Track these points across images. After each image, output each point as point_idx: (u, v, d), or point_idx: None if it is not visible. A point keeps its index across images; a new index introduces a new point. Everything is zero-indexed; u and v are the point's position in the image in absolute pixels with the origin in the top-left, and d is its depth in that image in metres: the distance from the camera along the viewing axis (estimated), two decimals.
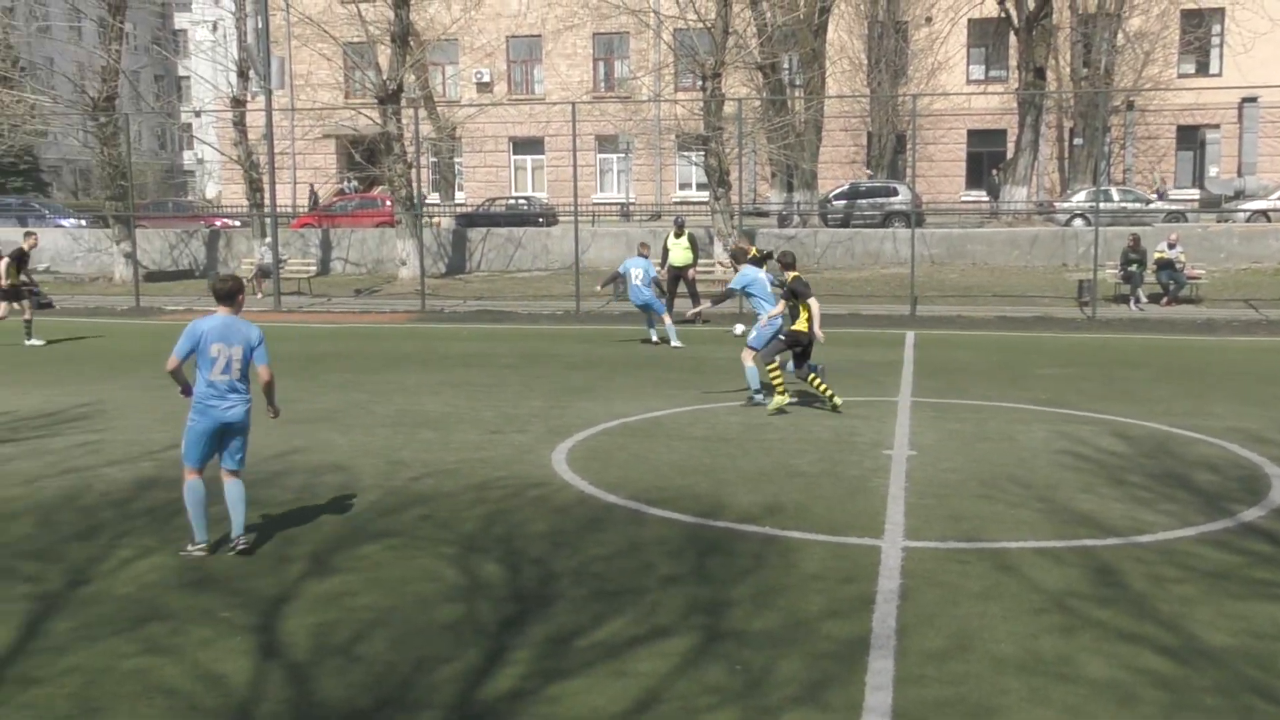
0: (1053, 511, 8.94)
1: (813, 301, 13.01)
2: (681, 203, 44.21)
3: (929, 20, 45.43)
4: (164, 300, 28.02)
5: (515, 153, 50.63)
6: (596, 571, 7.57)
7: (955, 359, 17.64)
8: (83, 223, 40.37)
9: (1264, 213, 35.59)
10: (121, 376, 15.86)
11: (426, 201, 36.89)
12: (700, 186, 43.24)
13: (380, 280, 31.84)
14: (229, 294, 8.02)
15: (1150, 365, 17.04)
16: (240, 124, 33.26)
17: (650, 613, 6.83)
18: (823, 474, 10.20)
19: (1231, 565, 7.67)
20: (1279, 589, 7.22)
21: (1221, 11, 43.98)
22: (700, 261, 23.94)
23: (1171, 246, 25.50)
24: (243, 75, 34.08)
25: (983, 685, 5.82)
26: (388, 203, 35.99)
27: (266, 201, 30.27)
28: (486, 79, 49.53)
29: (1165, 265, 25.28)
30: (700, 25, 29.33)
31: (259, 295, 28.61)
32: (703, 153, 30.72)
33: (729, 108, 28.87)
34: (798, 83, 38.68)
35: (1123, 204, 36.20)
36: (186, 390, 7.97)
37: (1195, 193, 43.11)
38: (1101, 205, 29.12)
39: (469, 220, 38.24)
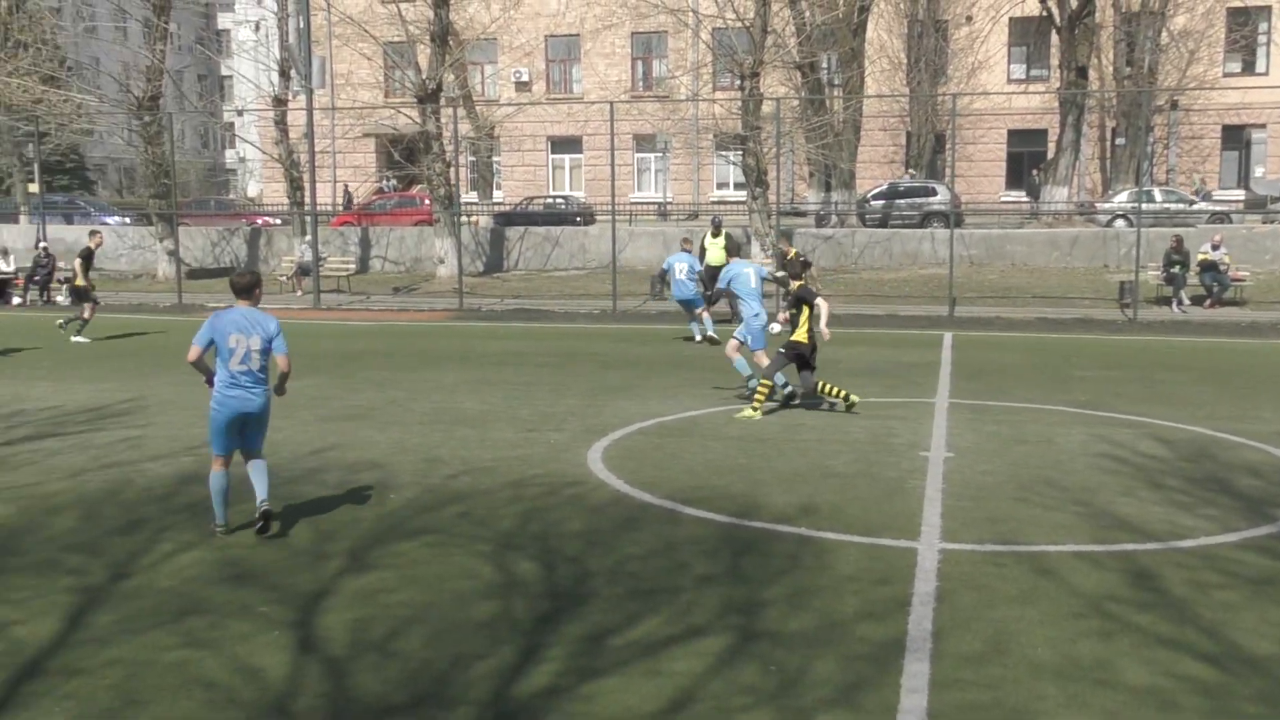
0: (1091, 515, 8.86)
1: (820, 301, 12.80)
2: (719, 202, 44.18)
3: (969, 19, 45.12)
4: (206, 297, 28.29)
5: (553, 152, 50.77)
6: (631, 570, 7.58)
7: (994, 360, 17.52)
8: (127, 220, 40.86)
9: None
10: (164, 373, 16.03)
11: (464, 200, 37.06)
12: (738, 186, 43.18)
13: (418, 278, 32.02)
14: (247, 287, 8.29)
15: (1192, 368, 16.85)
16: (281, 123, 33.56)
17: (685, 612, 6.83)
18: (859, 475, 10.16)
19: (1275, 571, 7.56)
20: None
21: (1269, 9, 43.43)
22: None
23: (1215, 248, 25.19)
24: (284, 75, 34.42)
25: (1019, 690, 5.78)
26: (426, 201, 36.19)
27: (307, 200, 30.53)
28: (525, 78, 49.71)
29: (1209, 267, 24.98)
30: (739, 24, 29.27)
31: (299, 293, 28.86)
32: (740, 152, 30.64)
33: (767, 107, 28.80)
34: (836, 82, 38.54)
35: (1165, 205, 35.79)
36: (210, 380, 8.24)
37: (1240, 193, 42.57)
38: (1144, 206, 28.83)
39: (507, 219, 38.39)
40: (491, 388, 14.86)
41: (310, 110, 27.92)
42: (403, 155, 35.44)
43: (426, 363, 17.34)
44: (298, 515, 8.88)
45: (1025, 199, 43.34)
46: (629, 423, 12.45)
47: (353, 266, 32.12)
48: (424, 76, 30.36)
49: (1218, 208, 37.07)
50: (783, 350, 12.87)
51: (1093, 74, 40.29)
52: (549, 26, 49.66)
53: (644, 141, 48.11)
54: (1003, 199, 45.23)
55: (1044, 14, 38.74)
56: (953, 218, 28.29)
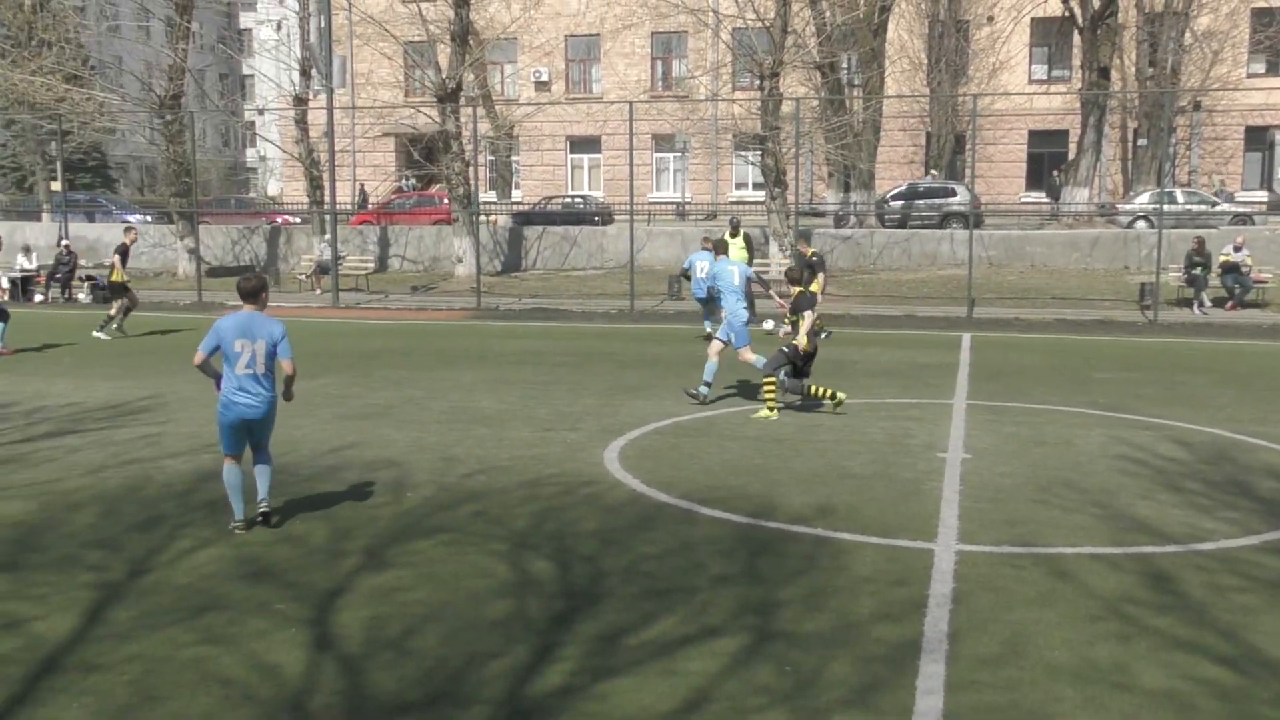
0: (1110, 517, 8.82)
1: (808, 313, 12.76)
2: (737, 202, 44.13)
3: (991, 19, 44.96)
4: (225, 296, 28.39)
5: (572, 151, 50.82)
6: (647, 570, 7.58)
7: (1012, 362, 17.45)
8: (148, 218, 41.10)
9: None
10: (183, 370, 16.09)
11: (483, 200, 37.13)
12: (756, 186, 43.13)
13: (437, 277, 32.10)
14: (253, 292, 8.39)
15: (1213, 370, 16.75)
16: (302, 122, 33.68)
17: (700, 612, 6.83)
18: (876, 476, 10.14)
19: None
20: None
21: None
22: (756, 261, 23.87)
23: (1238, 249, 25.03)
24: (305, 74, 34.51)
25: (1036, 692, 5.76)
26: (445, 201, 36.27)
27: (326, 199, 30.64)
28: (545, 78, 49.77)
29: (1231, 269, 24.82)
30: (759, 24, 29.23)
31: (318, 291, 28.96)
32: (759, 152, 30.61)
33: (787, 107, 28.77)
34: (856, 82, 38.45)
35: (1187, 206, 35.58)
36: (219, 383, 8.40)
37: (1263, 194, 42.27)
38: (1166, 207, 28.66)
39: (525, 218, 38.45)
40: (509, 387, 14.88)
41: (330, 109, 28.01)
42: (422, 154, 35.55)
43: (444, 362, 17.38)
44: (315, 513, 8.92)
45: (1045, 200, 43.17)
46: (645, 422, 12.46)
47: (371, 265, 32.22)
48: (444, 76, 30.43)
49: (1240, 209, 36.82)
50: (784, 350, 12.83)
51: (1115, 74, 40.09)
52: (569, 26, 49.70)
53: (663, 141, 48.11)
54: (1023, 200, 45.05)
55: (1066, 14, 38.56)
56: (972, 218, 28.20)
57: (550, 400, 13.85)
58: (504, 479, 9.99)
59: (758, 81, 29.78)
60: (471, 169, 30.15)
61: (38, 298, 27.99)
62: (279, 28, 40.18)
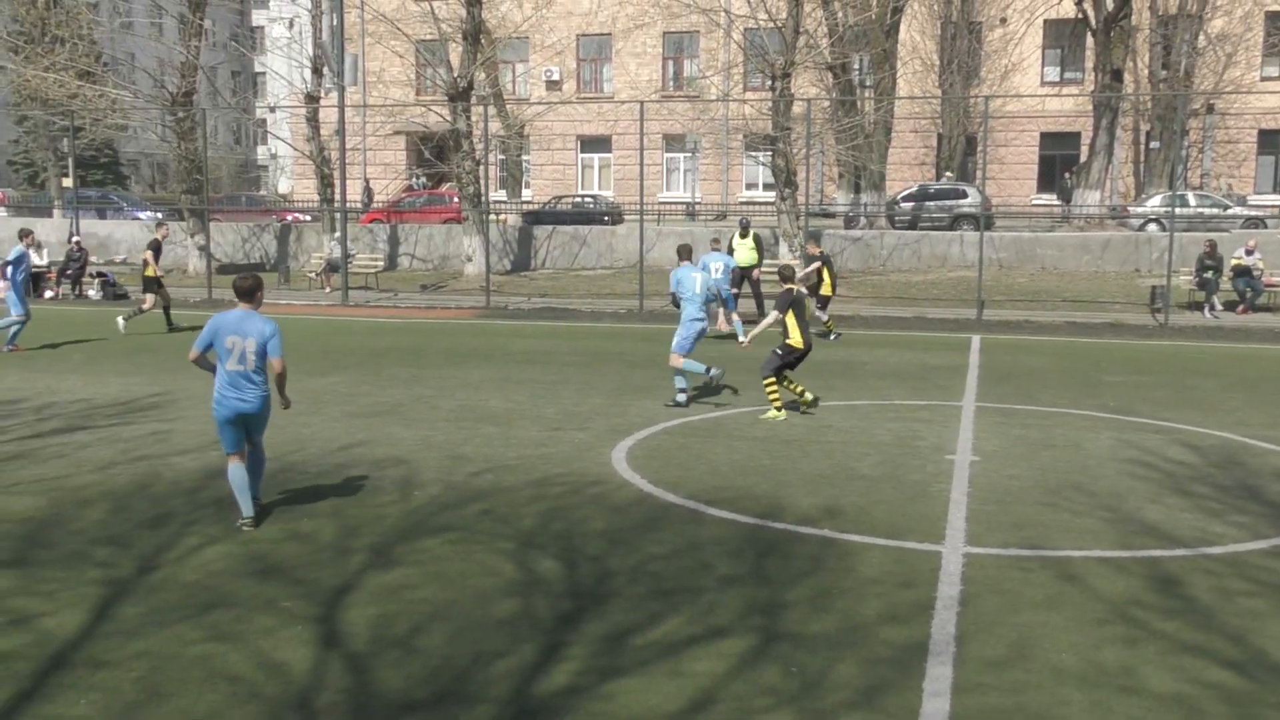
0: (1118, 521, 8.80)
1: (775, 313, 12.77)
2: (747, 203, 44.12)
3: (1004, 21, 44.86)
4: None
5: (583, 151, 50.82)
6: (654, 570, 7.58)
7: (1022, 364, 17.41)
8: (159, 215, 41.18)
9: None
10: (192, 367, 16.11)
11: (493, 199, 37.15)
12: (767, 187, 43.08)
13: (446, 276, 32.14)
14: (249, 291, 8.53)
15: (1224, 374, 16.70)
16: (313, 120, 33.74)
17: (707, 613, 6.83)
18: (884, 478, 10.12)
19: None
20: None
21: None
22: (765, 262, 23.87)
23: (1249, 253, 24.95)
24: (317, 72, 34.61)
25: (1043, 695, 5.74)
26: (455, 199, 36.30)
27: (337, 197, 30.69)
28: (556, 77, 49.78)
29: (1242, 272, 24.73)
30: (771, 25, 29.22)
31: (327, 289, 29.01)
32: (770, 153, 30.59)
33: (798, 108, 28.73)
34: (868, 83, 38.39)
35: (1199, 209, 35.48)
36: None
37: (1276, 198, 42.10)
38: (1177, 210, 28.57)
39: (535, 218, 38.46)
40: (517, 386, 14.89)
41: (342, 107, 28.07)
42: (433, 153, 35.58)
43: (453, 360, 17.40)
44: (323, 510, 8.94)
45: (1057, 202, 43.06)
46: (654, 423, 12.46)
47: (381, 263, 32.28)
48: (455, 75, 30.46)
49: (1252, 213, 36.69)
50: (778, 351, 12.82)
51: (1128, 77, 39.97)
52: (580, 25, 49.71)
53: (674, 141, 48.09)
54: (1034, 202, 44.94)
55: (1079, 16, 38.46)
56: (983, 220, 28.14)
57: (558, 400, 13.86)
58: (511, 478, 10.00)
59: (769, 82, 29.76)
60: (482, 168, 30.17)
61: (48, 294, 28.08)
62: (291, 25, 40.30)
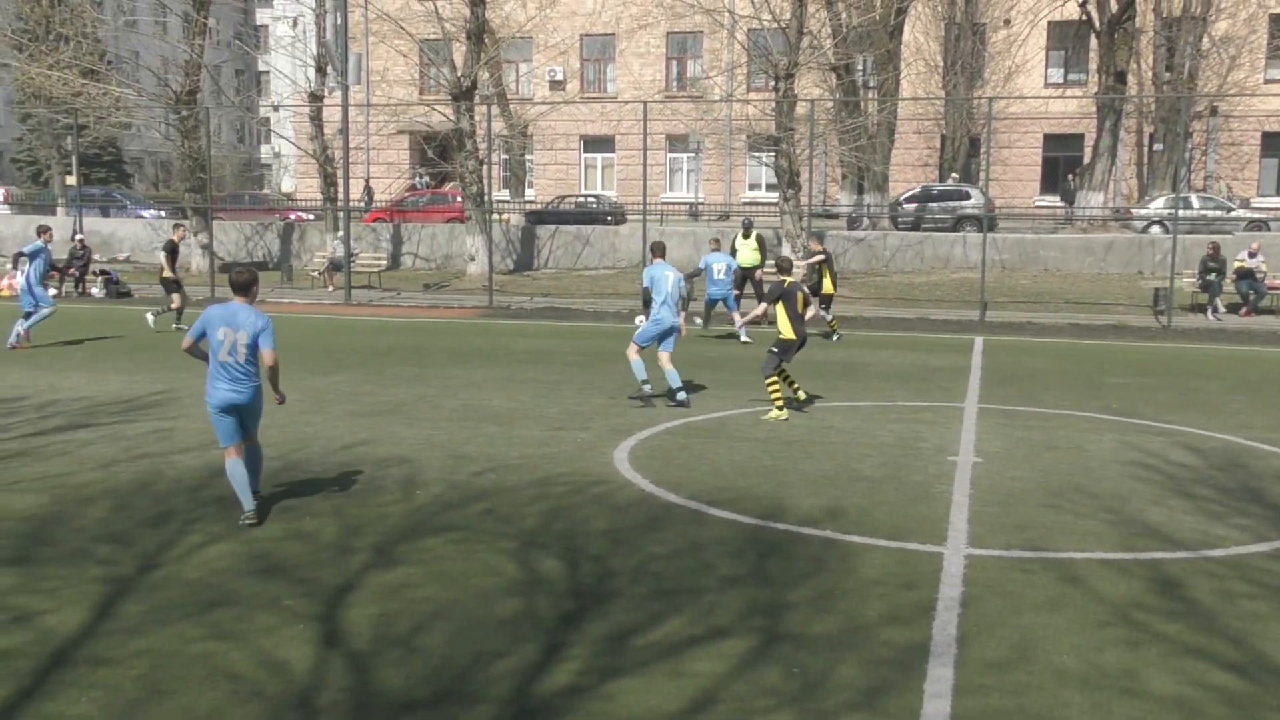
0: (1120, 523, 8.79)
1: (766, 305, 13.08)
2: (750, 203, 44.12)
3: (1007, 22, 44.85)
4: None
5: (586, 151, 50.84)
6: (655, 570, 7.58)
7: (1025, 366, 17.41)
8: (162, 214, 41.25)
9: None
10: (194, 365, 16.08)
11: (496, 198, 37.15)
12: (770, 187, 43.10)
13: (449, 275, 32.14)
14: (244, 285, 8.69)
15: (1227, 377, 16.68)
16: (317, 119, 33.76)
17: (708, 613, 6.83)
18: (886, 479, 10.12)
19: None
20: None
21: None
22: (767, 263, 23.89)
23: (1252, 255, 24.93)
24: (321, 71, 34.61)
25: (1044, 697, 5.74)
26: (458, 199, 36.30)
27: (340, 196, 30.71)
28: (559, 77, 49.80)
29: (1245, 275, 24.72)
30: (774, 25, 29.21)
31: (330, 288, 29.03)
32: (773, 153, 30.59)
33: (801, 109, 28.73)
34: (871, 84, 38.39)
35: (1202, 211, 35.46)
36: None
37: (1279, 200, 42.09)
38: (1181, 212, 28.56)
39: (538, 217, 38.47)
40: (520, 385, 14.90)
41: (345, 106, 28.08)
42: (436, 152, 35.59)
43: (455, 360, 17.40)
44: (325, 509, 8.94)
45: (1060, 204, 43.05)
46: (655, 423, 12.46)
47: (384, 263, 32.27)
48: (459, 74, 30.47)
49: (1256, 215, 36.67)
50: (775, 350, 12.87)
51: (1131, 79, 39.95)
52: (584, 25, 49.73)
53: (677, 142, 48.11)
54: (1037, 204, 44.93)
55: (1083, 18, 38.43)
56: (986, 222, 28.14)
57: (561, 399, 13.86)
58: (514, 477, 10.00)
59: (772, 82, 29.77)
60: (485, 167, 30.18)
61: (51, 291, 28.05)
62: (295, 24, 40.28)
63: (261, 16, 71.78)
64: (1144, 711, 5.59)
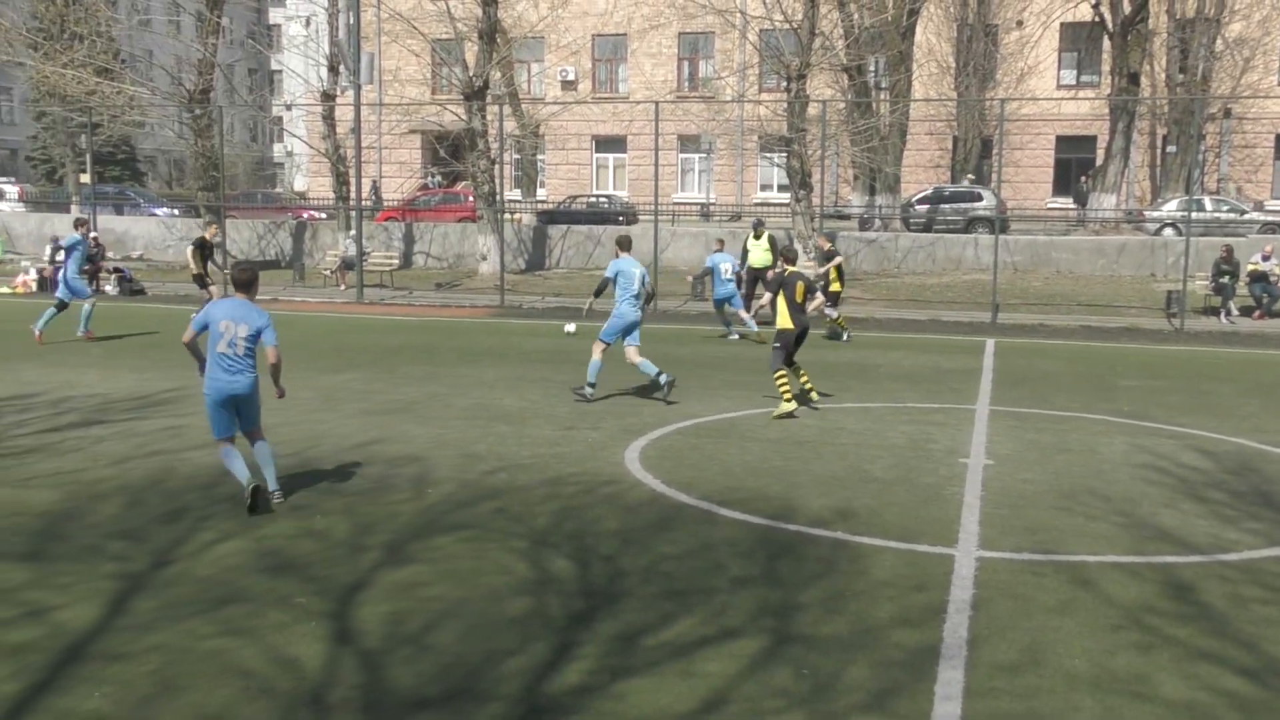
0: (1132, 526, 8.77)
1: (768, 295, 13.24)
2: (762, 204, 44.07)
3: (1020, 24, 44.73)
4: None
5: (597, 151, 50.85)
6: (666, 570, 7.59)
7: (1036, 368, 17.37)
8: (175, 212, 41.37)
9: None
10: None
11: (508, 198, 37.19)
12: (781, 188, 43.06)
13: (461, 275, 32.18)
14: (246, 282, 8.97)
15: (1239, 380, 16.63)
16: (329, 118, 33.83)
17: (719, 614, 6.83)
18: (897, 480, 10.11)
19: None
20: None
21: None
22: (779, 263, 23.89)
23: (1266, 258, 24.83)
24: (333, 70, 34.68)
25: (1054, 700, 5.73)
26: (470, 198, 36.34)
27: (352, 195, 30.76)
28: (571, 77, 49.82)
29: (1259, 278, 24.63)
30: (787, 26, 29.19)
31: (342, 287, 29.08)
32: (785, 154, 30.57)
33: (813, 109, 28.69)
34: (883, 85, 38.33)
35: (1216, 214, 35.33)
36: (202, 367, 8.99)
37: None
38: (1194, 215, 28.46)
39: (550, 217, 38.51)
40: (530, 385, 14.91)
41: (358, 105, 28.14)
42: (448, 152, 35.64)
43: (467, 359, 17.43)
44: (337, 507, 8.96)
45: (1072, 206, 42.93)
46: (666, 423, 12.46)
47: (396, 261, 32.34)
48: (471, 74, 30.51)
49: (1270, 218, 36.52)
50: (777, 345, 12.94)
51: (1144, 80, 39.80)
52: (596, 26, 49.74)
53: (688, 142, 48.09)
54: (1049, 205, 44.82)
55: (1096, 19, 38.31)
56: (997, 223, 28.07)
57: (571, 399, 13.87)
58: (525, 477, 10.02)
59: (784, 83, 29.74)
60: (497, 167, 30.22)
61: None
62: (308, 24, 40.39)
63: (274, 16, 71.93)
64: (1155, 716, 5.58)
